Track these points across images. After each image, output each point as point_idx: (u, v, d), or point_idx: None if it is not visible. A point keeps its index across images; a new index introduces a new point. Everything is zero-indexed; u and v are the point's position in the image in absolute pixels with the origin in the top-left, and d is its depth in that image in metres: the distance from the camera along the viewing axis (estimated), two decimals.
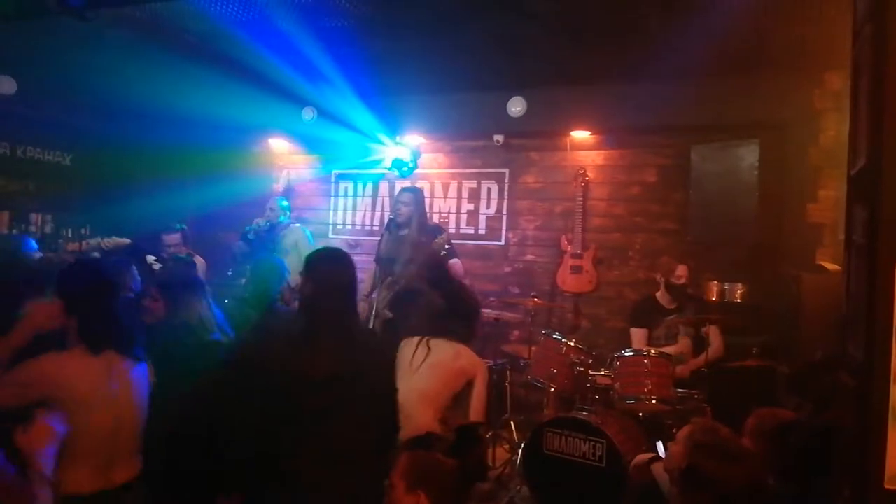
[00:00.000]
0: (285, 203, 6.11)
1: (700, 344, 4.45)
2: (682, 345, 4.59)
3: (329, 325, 2.37)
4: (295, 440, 2.25)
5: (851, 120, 1.94)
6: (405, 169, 6.34)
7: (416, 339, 3.33)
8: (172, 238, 5.54)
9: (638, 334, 4.76)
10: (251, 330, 3.24)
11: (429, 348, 3.26)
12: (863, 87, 1.79)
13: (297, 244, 5.69)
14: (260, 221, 5.82)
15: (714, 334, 4.46)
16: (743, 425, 2.55)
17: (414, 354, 3.24)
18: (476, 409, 3.25)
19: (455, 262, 4.93)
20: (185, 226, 5.70)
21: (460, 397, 3.29)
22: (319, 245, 6.12)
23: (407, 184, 6.14)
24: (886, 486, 1.63)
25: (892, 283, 1.60)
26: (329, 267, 2.47)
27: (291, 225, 6.04)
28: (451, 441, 2.12)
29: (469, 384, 3.30)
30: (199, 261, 5.60)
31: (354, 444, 2.10)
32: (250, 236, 5.75)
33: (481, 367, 3.37)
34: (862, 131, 1.79)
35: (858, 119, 1.85)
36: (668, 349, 4.51)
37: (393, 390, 2.48)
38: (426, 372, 3.16)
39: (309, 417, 2.26)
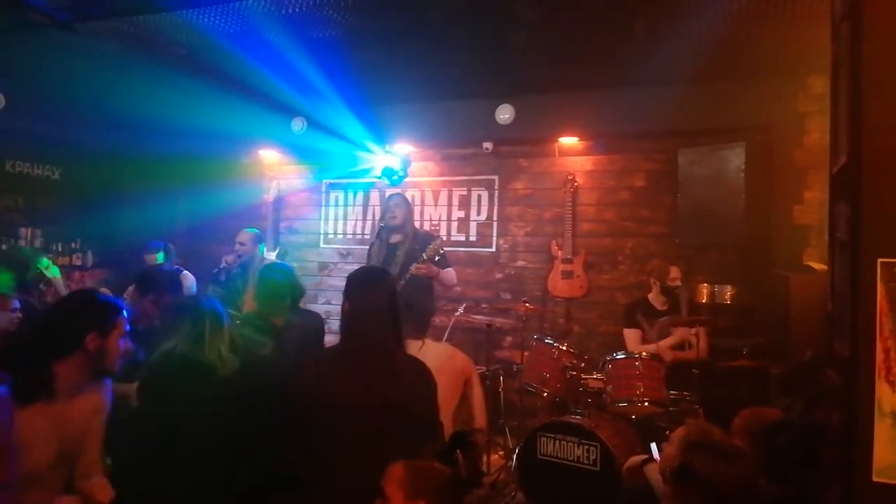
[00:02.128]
0: (258, 233, 5.58)
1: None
2: (680, 335, 4.60)
3: (367, 349, 2.28)
4: (333, 469, 2.18)
5: (832, 118, 1.97)
6: (395, 177, 6.35)
7: (408, 342, 3.27)
8: (152, 258, 5.46)
9: (632, 335, 4.78)
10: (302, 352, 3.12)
11: (422, 346, 3.22)
12: (842, 85, 1.82)
13: None
14: (229, 259, 5.34)
15: (700, 336, 4.49)
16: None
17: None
18: (478, 409, 3.23)
19: (448, 271, 4.93)
20: (164, 243, 5.60)
21: (461, 399, 3.28)
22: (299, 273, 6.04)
23: (396, 191, 6.17)
24: (875, 480, 1.65)
25: (874, 278, 1.62)
26: (366, 288, 2.38)
27: (266, 259, 5.51)
28: (443, 448, 2.10)
29: (467, 384, 3.28)
30: (187, 276, 5.57)
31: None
32: (222, 277, 5.22)
33: (472, 364, 3.35)
34: (842, 129, 1.82)
35: (839, 117, 1.88)
36: (668, 340, 4.56)
37: (435, 414, 2.38)
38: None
39: (349, 445, 2.18)
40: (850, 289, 1.69)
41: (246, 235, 5.36)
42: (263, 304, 3.37)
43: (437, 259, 4.70)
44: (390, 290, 2.39)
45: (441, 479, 1.89)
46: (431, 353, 3.22)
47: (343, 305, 2.37)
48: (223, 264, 5.32)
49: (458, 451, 2.01)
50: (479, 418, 3.24)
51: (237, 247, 5.32)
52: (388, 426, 2.20)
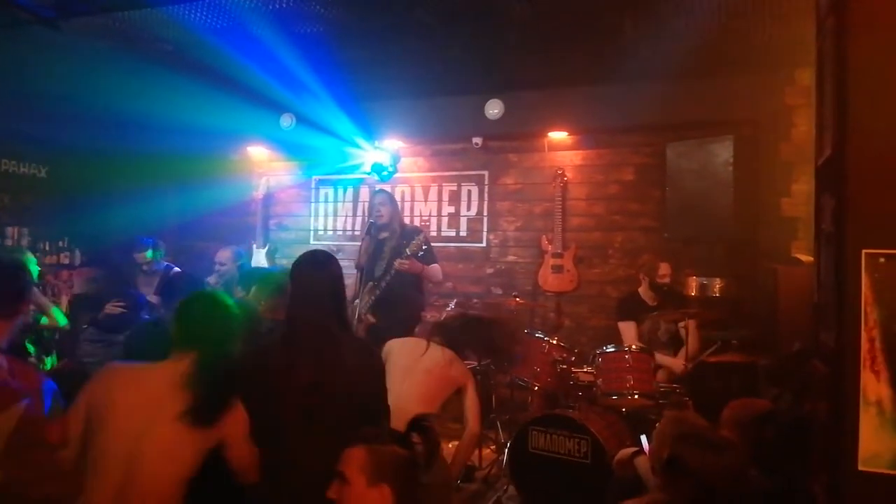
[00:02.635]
0: (237, 251, 5.54)
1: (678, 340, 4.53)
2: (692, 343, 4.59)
3: (308, 330, 2.33)
4: (274, 448, 2.23)
5: (817, 111, 1.98)
6: (385, 173, 6.35)
7: (413, 340, 3.29)
8: (142, 256, 5.44)
9: (628, 327, 4.79)
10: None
11: (427, 348, 3.22)
12: (827, 78, 1.84)
13: None
14: (211, 281, 5.26)
15: (690, 329, 4.52)
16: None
17: (409, 355, 3.22)
18: (472, 417, 3.25)
19: (433, 267, 4.91)
20: (154, 240, 5.55)
21: (446, 405, 3.30)
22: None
23: (387, 188, 6.17)
24: (861, 468, 1.67)
25: (859, 269, 1.64)
26: (309, 270, 2.42)
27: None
28: (399, 433, 2.11)
29: (458, 392, 3.29)
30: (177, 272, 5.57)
31: (334, 454, 2.08)
32: None
33: (470, 376, 3.37)
34: (827, 121, 1.83)
35: (824, 109, 1.90)
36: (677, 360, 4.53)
37: (380, 397, 2.42)
38: (422, 377, 3.15)
39: (288, 425, 2.25)
40: (835, 279, 1.71)
41: (225, 255, 5.39)
42: (266, 302, 3.41)
43: (420, 254, 4.69)
44: (333, 274, 2.42)
45: (401, 463, 1.90)
46: (430, 355, 3.23)
47: (288, 289, 2.43)
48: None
49: (416, 435, 2.01)
50: (473, 423, 3.27)
51: (217, 267, 5.34)
52: (327, 408, 2.24)
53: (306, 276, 2.41)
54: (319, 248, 6.72)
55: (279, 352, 2.35)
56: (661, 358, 4.46)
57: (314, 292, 2.36)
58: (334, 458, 1.94)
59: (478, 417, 3.27)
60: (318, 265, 2.45)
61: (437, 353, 3.26)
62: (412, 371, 3.17)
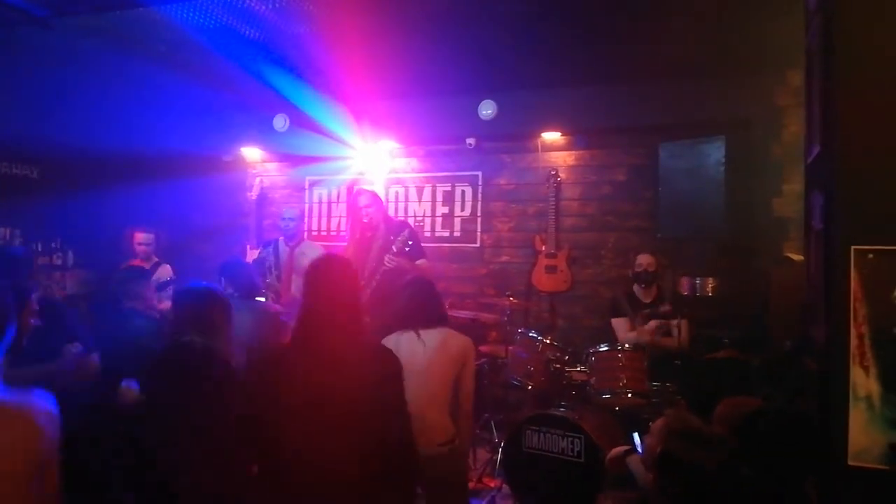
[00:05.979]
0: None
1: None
2: (648, 329, 4.62)
3: (315, 337, 2.14)
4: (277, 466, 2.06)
5: (806, 109, 2.00)
6: (378, 174, 6.35)
7: (405, 334, 3.11)
8: (145, 237, 5.54)
9: (620, 323, 4.81)
10: None
11: (423, 343, 3.06)
12: (815, 76, 1.85)
13: None
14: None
15: (682, 326, 4.54)
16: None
17: (411, 352, 2.99)
18: (465, 396, 3.10)
19: (421, 263, 4.89)
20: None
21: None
22: None
23: (379, 188, 6.18)
24: (850, 464, 1.68)
25: (848, 264, 1.65)
26: (319, 273, 2.24)
27: None
28: None
29: (463, 367, 3.12)
30: (166, 268, 5.58)
31: (345, 475, 1.93)
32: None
33: (469, 345, 3.14)
34: (816, 119, 1.85)
35: (812, 108, 1.91)
36: (631, 334, 4.60)
37: (401, 407, 2.20)
38: (426, 375, 2.96)
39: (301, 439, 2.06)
40: (824, 276, 1.72)
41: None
42: None
43: (406, 249, 4.66)
44: (339, 272, 2.28)
45: None
46: (428, 341, 3.06)
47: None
48: None
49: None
50: (465, 402, 3.12)
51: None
52: (340, 418, 2.07)
53: (317, 277, 2.23)
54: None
55: (283, 361, 2.17)
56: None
57: (325, 296, 2.19)
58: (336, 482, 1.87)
59: (470, 396, 3.10)
60: (329, 266, 2.29)
61: (431, 337, 3.08)
62: (416, 371, 2.84)
